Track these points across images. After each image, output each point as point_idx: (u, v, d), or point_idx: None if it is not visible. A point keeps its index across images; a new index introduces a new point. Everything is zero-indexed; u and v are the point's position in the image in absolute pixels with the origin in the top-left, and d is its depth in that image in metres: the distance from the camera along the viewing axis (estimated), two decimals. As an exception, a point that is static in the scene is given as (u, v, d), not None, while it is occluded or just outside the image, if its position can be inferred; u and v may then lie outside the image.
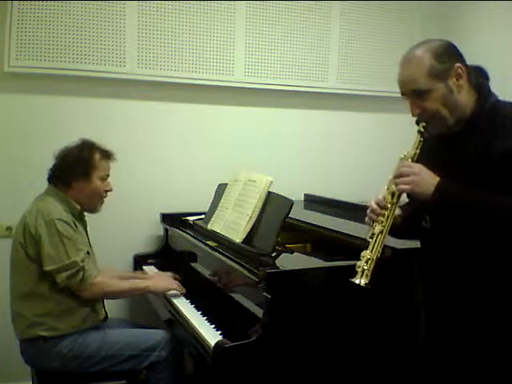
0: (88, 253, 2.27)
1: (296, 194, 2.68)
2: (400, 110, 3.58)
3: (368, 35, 3.52)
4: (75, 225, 2.25)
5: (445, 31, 3.65)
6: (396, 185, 1.55)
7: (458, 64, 1.54)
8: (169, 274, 2.60)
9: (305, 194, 3.38)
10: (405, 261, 1.94)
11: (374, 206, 1.59)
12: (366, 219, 1.62)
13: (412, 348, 1.90)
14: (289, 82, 3.38)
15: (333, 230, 2.32)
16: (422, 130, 1.57)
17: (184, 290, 2.44)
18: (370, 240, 1.57)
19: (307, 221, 2.53)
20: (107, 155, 2.37)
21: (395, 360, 1.95)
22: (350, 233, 2.20)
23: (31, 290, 2.19)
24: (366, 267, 1.52)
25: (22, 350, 2.27)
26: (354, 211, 2.58)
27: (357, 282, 1.52)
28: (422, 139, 1.58)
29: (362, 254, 1.55)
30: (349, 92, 3.53)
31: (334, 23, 3.44)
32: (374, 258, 1.53)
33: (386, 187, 1.59)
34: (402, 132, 3.39)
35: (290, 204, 2.16)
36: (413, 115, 1.59)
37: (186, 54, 3.14)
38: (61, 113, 2.97)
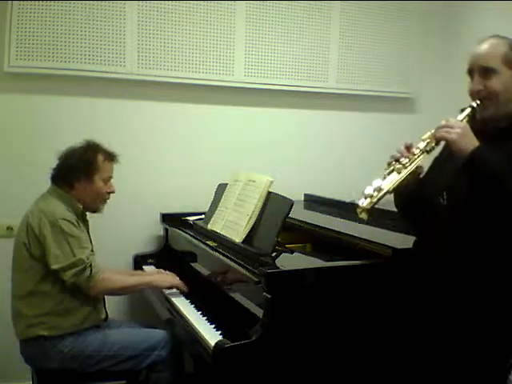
0: (92, 250, 2.28)
1: (296, 194, 2.67)
2: (400, 110, 3.64)
3: (368, 35, 3.52)
4: (78, 224, 2.26)
5: (445, 31, 3.66)
6: (438, 133, 1.56)
7: None
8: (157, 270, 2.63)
9: (305, 194, 3.38)
10: (405, 261, 1.94)
11: (403, 148, 1.62)
12: (390, 156, 1.64)
13: (412, 348, 1.90)
14: (289, 82, 3.38)
15: (333, 230, 2.32)
16: (475, 105, 1.62)
17: (187, 289, 2.45)
18: (386, 174, 1.58)
19: (307, 221, 2.53)
20: (111, 157, 2.38)
21: (396, 360, 1.95)
22: (350, 233, 2.20)
23: (33, 289, 2.19)
24: (373, 193, 1.54)
25: (21, 349, 2.27)
26: (354, 211, 2.57)
27: (359, 203, 1.53)
28: (471, 114, 1.62)
29: (375, 181, 1.56)
30: (349, 92, 3.53)
31: (333, 23, 3.44)
32: (385, 189, 1.54)
33: (422, 136, 1.61)
34: (402, 132, 3.40)
35: (290, 204, 2.16)
36: (473, 90, 1.64)
37: (186, 54, 3.14)
38: (61, 113, 2.97)
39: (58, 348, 2.18)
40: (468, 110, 1.64)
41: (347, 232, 2.22)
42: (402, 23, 3.57)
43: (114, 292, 2.42)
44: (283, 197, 2.24)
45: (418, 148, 1.60)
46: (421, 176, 1.73)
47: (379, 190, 1.54)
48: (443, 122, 1.58)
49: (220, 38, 3.20)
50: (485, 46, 1.64)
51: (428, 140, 1.60)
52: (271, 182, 2.32)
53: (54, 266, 2.14)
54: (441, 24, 3.66)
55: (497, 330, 1.57)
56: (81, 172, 2.30)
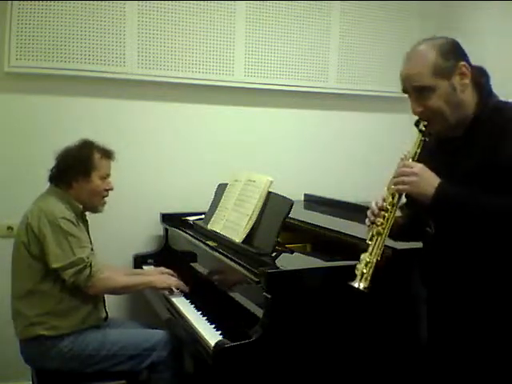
0: (92, 249, 2.28)
1: (296, 194, 2.68)
2: (400, 110, 3.63)
3: (368, 35, 3.52)
4: (78, 223, 2.26)
5: (444, 31, 3.64)
6: (395, 185, 1.52)
7: (463, 62, 1.51)
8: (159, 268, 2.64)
9: (305, 194, 3.38)
10: (405, 261, 1.94)
11: (374, 207, 1.56)
12: (366, 221, 1.60)
13: (412, 348, 1.90)
14: (289, 82, 3.38)
15: (333, 230, 2.32)
16: (423, 128, 1.54)
17: (187, 289, 2.45)
18: (370, 242, 1.54)
19: (307, 221, 2.53)
20: (107, 154, 2.38)
21: (396, 360, 1.95)
22: (350, 233, 2.19)
23: (33, 289, 2.20)
24: (365, 271, 1.50)
25: (21, 349, 2.27)
26: (354, 211, 2.58)
27: (355, 285, 1.50)
28: (422, 138, 1.55)
29: (362, 256, 1.52)
30: (348, 92, 3.53)
31: (333, 23, 3.44)
32: (374, 261, 1.51)
33: (385, 188, 1.56)
34: (401, 132, 3.39)
35: (290, 204, 2.16)
36: (414, 113, 1.56)
37: (186, 53, 3.14)
38: (61, 113, 2.97)
39: (58, 348, 2.18)
40: (419, 137, 1.55)
41: (347, 232, 2.22)
42: (402, 23, 3.58)
43: (114, 291, 2.43)
44: (283, 197, 2.24)
45: (388, 203, 1.53)
46: (401, 222, 1.68)
47: (369, 263, 1.51)
48: (397, 171, 1.52)
49: (220, 38, 3.20)
50: (412, 63, 1.53)
51: (392, 193, 1.54)
52: (271, 182, 2.32)
53: (54, 265, 2.14)
54: (440, 24, 3.65)
55: (500, 335, 1.55)
56: (78, 171, 2.30)
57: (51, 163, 2.35)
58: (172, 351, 2.30)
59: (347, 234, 2.20)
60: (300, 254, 2.33)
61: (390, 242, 2.00)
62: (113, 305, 2.72)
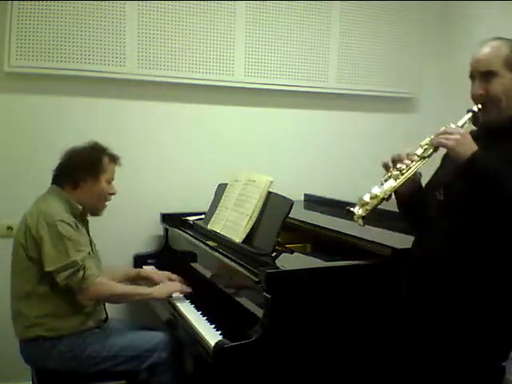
0: (89, 253, 2.25)
1: (296, 194, 2.68)
2: (400, 110, 3.64)
3: (368, 35, 3.52)
4: (77, 226, 2.24)
5: (444, 31, 3.66)
6: (436, 139, 1.56)
7: None
8: (166, 273, 2.61)
9: (305, 194, 3.38)
10: (404, 261, 1.94)
11: (403, 154, 1.61)
12: (385, 161, 1.64)
13: (411, 348, 1.90)
14: (289, 82, 3.38)
15: (333, 230, 2.32)
16: (476, 110, 1.62)
17: (190, 289, 2.43)
18: (382, 180, 1.58)
19: (307, 221, 2.53)
20: (115, 159, 2.38)
21: (394, 359, 1.95)
22: (350, 233, 2.19)
23: (31, 291, 2.19)
24: (368, 201, 1.53)
25: (21, 349, 2.27)
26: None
27: (353, 209, 1.53)
28: (471, 118, 1.62)
29: (373, 189, 1.56)
30: (349, 92, 3.53)
31: (333, 23, 3.44)
32: (381, 196, 1.54)
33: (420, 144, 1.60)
34: (402, 132, 3.41)
35: (290, 204, 2.16)
36: (474, 95, 1.64)
37: (186, 53, 3.14)
38: (61, 113, 2.97)
39: (58, 349, 2.18)
40: (469, 115, 1.63)
41: (347, 232, 2.22)
42: (402, 23, 3.57)
43: (109, 299, 2.35)
44: (283, 197, 2.24)
45: (416, 154, 1.60)
46: (418, 182, 1.73)
47: (375, 197, 1.54)
48: (443, 129, 1.58)
49: (220, 38, 3.20)
50: (486, 49, 1.62)
51: (426, 146, 1.60)
52: (271, 182, 2.32)
53: (48, 268, 2.12)
54: (440, 24, 3.66)
55: (491, 331, 1.56)
56: (88, 171, 2.29)
57: (51, 163, 2.35)
58: (172, 352, 2.29)
59: (347, 234, 2.20)
60: (300, 254, 2.33)
61: (390, 242, 2.02)
62: (113, 305, 2.71)
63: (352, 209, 1.54)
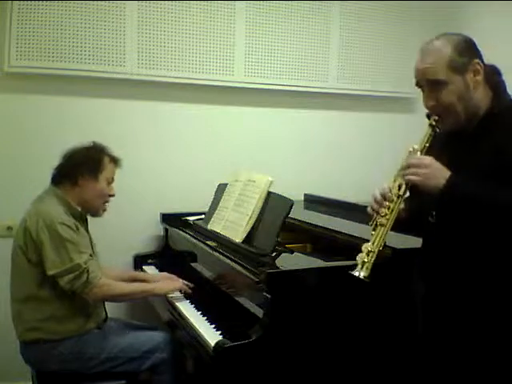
0: (91, 255, 2.24)
1: (296, 194, 2.68)
2: (400, 110, 3.63)
3: (368, 35, 3.52)
4: (77, 227, 2.23)
5: (444, 31, 3.66)
6: (405, 176, 1.52)
7: (477, 60, 1.54)
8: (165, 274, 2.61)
9: (305, 194, 3.38)
10: (405, 261, 1.94)
11: (379, 196, 1.57)
12: (369, 209, 1.60)
13: (411, 348, 1.90)
14: (289, 82, 3.38)
15: (333, 230, 2.32)
16: (434, 123, 1.56)
17: (192, 285, 2.43)
18: (373, 232, 1.55)
19: (307, 221, 2.53)
20: (115, 160, 2.38)
21: (395, 359, 1.95)
22: (350, 233, 2.20)
23: (31, 294, 2.18)
24: (366, 260, 1.50)
25: (22, 350, 2.26)
26: (354, 211, 2.57)
27: (356, 274, 1.50)
28: (432, 133, 1.57)
29: (364, 246, 1.53)
30: (349, 92, 3.53)
31: (334, 23, 3.44)
32: (376, 250, 1.51)
33: (392, 179, 1.57)
34: (402, 132, 3.40)
35: (290, 204, 2.16)
36: (426, 107, 1.58)
37: (186, 54, 3.14)
38: (61, 113, 2.97)
39: (58, 351, 2.17)
40: (429, 131, 1.57)
41: (347, 232, 2.22)
42: (402, 23, 3.57)
43: (114, 299, 2.38)
44: (283, 197, 2.24)
45: (394, 195, 1.55)
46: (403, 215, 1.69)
47: (371, 252, 1.51)
48: (406, 162, 1.53)
49: (220, 38, 3.20)
50: (428, 57, 1.55)
51: (399, 184, 1.55)
52: (271, 182, 2.32)
53: (50, 272, 2.11)
54: (440, 24, 3.65)
55: (495, 336, 1.55)
56: (86, 168, 2.28)
57: (51, 163, 2.34)
58: (172, 353, 2.29)
59: (347, 234, 2.21)
60: (300, 254, 2.33)
61: (390, 242, 2.02)
62: (113, 306, 2.71)
63: (354, 273, 1.50)
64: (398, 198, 1.54)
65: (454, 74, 1.52)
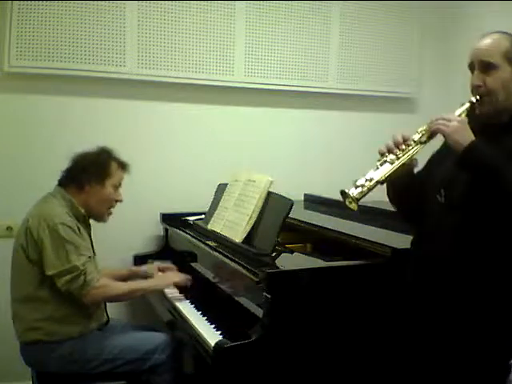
0: (90, 257, 2.23)
1: (296, 194, 2.68)
2: (400, 110, 3.63)
3: (368, 35, 3.52)
4: (79, 229, 2.23)
5: (444, 31, 3.66)
6: (433, 125, 1.56)
7: None
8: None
9: (305, 194, 3.38)
10: (405, 261, 1.94)
11: (398, 137, 1.61)
12: (382, 147, 1.63)
13: (412, 348, 1.90)
14: (289, 82, 3.38)
15: (333, 230, 2.32)
16: (474, 100, 1.62)
17: (189, 277, 2.44)
18: (378, 163, 1.58)
19: (307, 221, 2.53)
20: (123, 166, 2.39)
21: (395, 360, 1.95)
22: (350, 233, 2.20)
23: (31, 294, 2.18)
24: (363, 183, 1.53)
25: (22, 351, 2.26)
26: (354, 211, 2.57)
27: (347, 190, 1.52)
28: (468, 108, 1.62)
29: (368, 174, 1.55)
30: (349, 92, 3.53)
31: (333, 23, 3.44)
32: (376, 179, 1.54)
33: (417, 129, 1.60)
34: (401, 132, 3.39)
35: (290, 204, 2.16)
36: (472, 85, 1.64)
37: (186, 53, 3.14)
38: (61, 113, 2.97)
39: (58, 352, 2.17)
40: (466, 105, 1.63)
41: (347, 232, 2.22)
42: (402, 23, 3.57)
43: (113, 299, 2.38)
44: (283, 197, 2.24)
45: (413, 139, 1.60)
46: (415, 169, 1.72)
47: (370, 180, 1.53)
48: (440, 115, 1.58)
49: (220, 38, 3.20)
50: (487, 41, 1.62)
51: (423, 132, 1.60)
52: (271, 182, 2.32)
53: (49, 272, 2.12)
54: (441, 24, 3.66)
55: (496, 330, 1.56)
56: (93, 174, 2.29)
57: (51, 163, 2.35)
58: (172, 354, 2.29)
59: (347, 234, 2.20)
60: (300, 254, 2.33)
61: (390, 242, 2.02)
62: (113, 306, 2.71)
63: (346, 190, 1.53)
64: (417, 144, 1.59)
65: (506, 64, 1.59)
